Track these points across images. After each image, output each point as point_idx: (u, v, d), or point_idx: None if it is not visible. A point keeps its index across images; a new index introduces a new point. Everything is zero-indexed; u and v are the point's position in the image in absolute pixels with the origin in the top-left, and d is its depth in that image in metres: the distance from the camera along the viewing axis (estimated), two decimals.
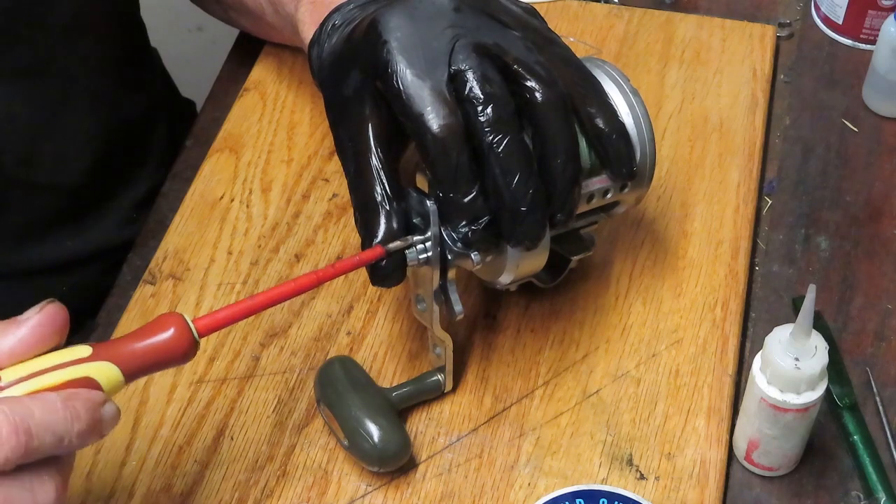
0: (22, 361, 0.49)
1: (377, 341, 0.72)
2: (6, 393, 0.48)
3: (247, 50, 0.90)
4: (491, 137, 0.58)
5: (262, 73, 0.87)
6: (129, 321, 0.73)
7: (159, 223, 0.80)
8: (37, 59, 0.76)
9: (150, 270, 0.76)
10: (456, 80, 0.59)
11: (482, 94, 0.58)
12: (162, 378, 0.70)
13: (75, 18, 0.77)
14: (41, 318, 0.50)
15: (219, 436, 0.68)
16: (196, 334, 0.52)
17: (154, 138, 0.89)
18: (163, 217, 0.80)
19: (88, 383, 0.49)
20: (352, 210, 0.77)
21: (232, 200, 0.80)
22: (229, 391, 0.70)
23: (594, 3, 0.91)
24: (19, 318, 0.50)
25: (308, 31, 0.69)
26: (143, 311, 0.73)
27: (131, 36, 0.89)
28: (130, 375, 0.51)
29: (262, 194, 0.80)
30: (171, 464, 0.67)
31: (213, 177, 0.81)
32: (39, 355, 0.49)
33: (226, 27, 0.92)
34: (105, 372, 0.50)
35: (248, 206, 0.79)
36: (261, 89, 0.86)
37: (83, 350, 0.50)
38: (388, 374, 0.70)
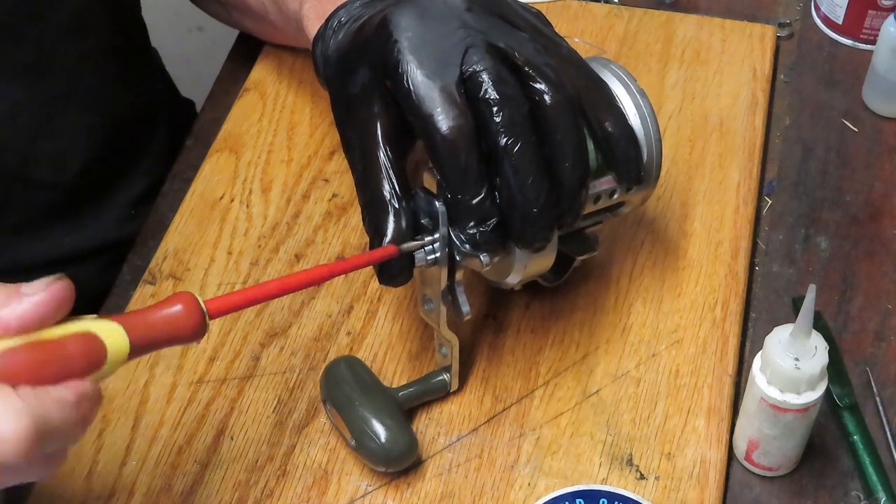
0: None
1: (377, 341, 0.72)
2: (9, 340, 0.46)
3: (247, 50, 0.90)
4: (505, 140, 0.58)
5: (262, 73, 0.88)
6: None
7: (159, 223, 0.80)
8: (39, 57, 0.76)
9: (150, 270, 0.76)
10: (470, 80, 0.59)
11: (498, 95, 0.58)
12: (162, 378, 0.70)
13: (77, 16, 0.77)
14: (45, 296, 0.47)
15: (219, 436, 0.68)
16: (206, 313, 0.51)
17: (153, 136, 0.89)
18: (163, 217, 0.80)
19: (93, 341, 0.47)
20: (352, 210, 0.78)
21: (232, 200, 0.80)
22: (229, 391, 0.70)
23: (594, 3, 0.91)
24: (23, 289, 0.47)
25: (313, 27, 0.69)
26: None
27: (132, 35, 0.89)
28: (137, 345, 0.49)
29: (262, 194, 0.80)
30: (171, 464, 0.67)
31: (213, 177, 0.81)
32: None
33: (226, 27, 0.92)
34: (111, 332, 0.48)
35: (248, 206, 0.79)
36: (261, 89, 0.86)
37: (91, 317, 0.48)
38: (389, 374, 0.70)
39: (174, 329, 0.50)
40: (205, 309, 0.51)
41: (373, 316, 0.73)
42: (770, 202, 0.80)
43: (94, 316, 0.49)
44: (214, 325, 0.72)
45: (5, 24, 0.73)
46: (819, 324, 0.72)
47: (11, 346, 0.46)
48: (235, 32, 0.92)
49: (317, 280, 0.56)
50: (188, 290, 0.73)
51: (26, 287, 0.47)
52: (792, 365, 0.60)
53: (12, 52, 0.74)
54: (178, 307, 0.50)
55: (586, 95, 0.62)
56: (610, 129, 0.62)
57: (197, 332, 0.51)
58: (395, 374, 0.70)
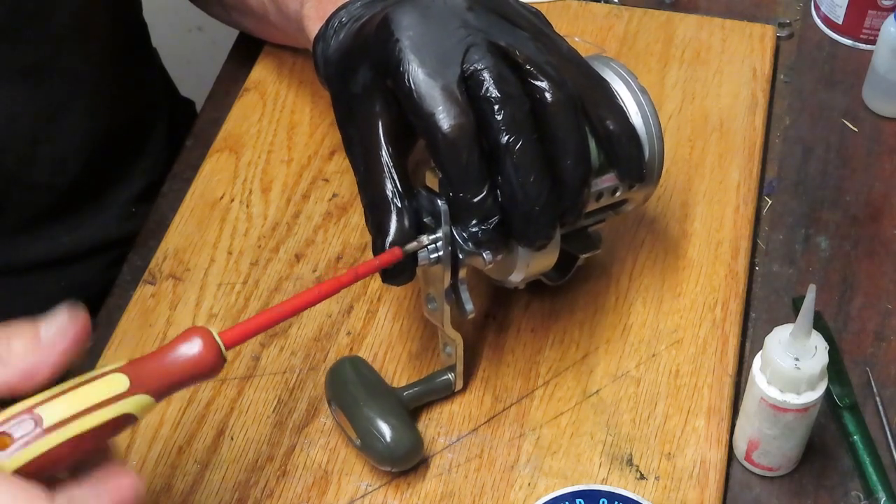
0: (55, 390, 0.46)
1: (377, 341, 0.72)
2: (48, 439, 0.45)
3: (247, 50, 0.90)
4: (507, 138, 0.58)
5: (262, 73, 0.88)
6: (129, 321, 0.73)
7: (159, 223, 0.80)
8: (39, 60, 0.76)
9: (150, 270, 0.76)
10: (471, 79, 0.59)
11: (499, 93, 0.58)
12: None
13: (78, 19, 0.77)
14: (67, 345, 0.46)
15: (219, 436, 0.68)
16: (223, 348, 0.50)
17: (153, 136, 0.89)
18: (163, 217, 0.80)
19: (127, 419, 0.48)
20: (352, 210, 0.78)
21: (232, 200, 0.80)
22: (229, 391, 0.70)
23: (594, 3, 0.91)
24: (42, 334, 0.46)
25: (313, 27, 0.69)
26: (143, 311, 0.73)
27: (133, 36, 0.89)
28: (159, 399, 0.49)
29: (262, 194, 0.80)
30: (171, 464, 0.67)
31: (213, 177, 0.81)
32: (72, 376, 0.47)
33: (226, 27, 0.92)
34: (141, 404, 0.48)
35: (248, 206, 0.79)
36: (261, 89, 0.86)
37: (119, 382, 0.48)
38: (389, 374, 0.70)
39: (194, 372, 0.49)
40: (220, 342, 0.50)
41: (373, 316, 0.73)
42: (770, 202, 0.80)
43: (122, 375, 0.48)
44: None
45: (5, 26, 0.73)
46: (819, 324, 0.72)
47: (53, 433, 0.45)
48: (235, 32, 0.92)
49: (327, 295, 0.55)
50: (188, 290, 0.74)
51: (45, 332, 0.46)
52: (792, 365, 0.60)
53: (12, 54, 0.74)
54: (196, 348, 0.49)
55: (587, 93, 0.62)
56: (611, 127, 0.62)
57: (215, 369, 0.50)
58: (395, 373, 0.70)
